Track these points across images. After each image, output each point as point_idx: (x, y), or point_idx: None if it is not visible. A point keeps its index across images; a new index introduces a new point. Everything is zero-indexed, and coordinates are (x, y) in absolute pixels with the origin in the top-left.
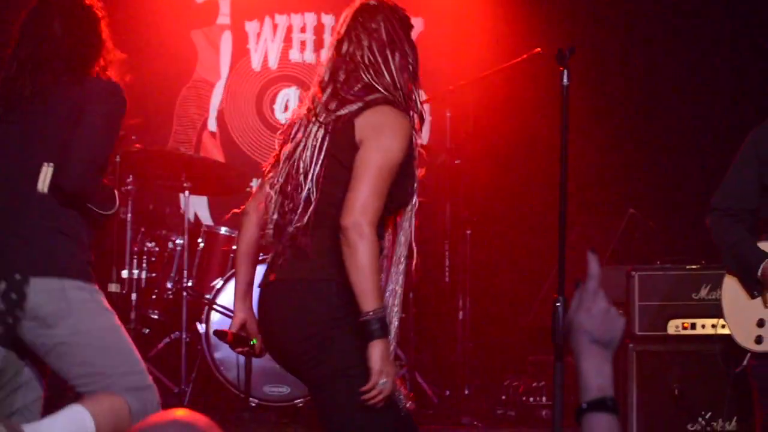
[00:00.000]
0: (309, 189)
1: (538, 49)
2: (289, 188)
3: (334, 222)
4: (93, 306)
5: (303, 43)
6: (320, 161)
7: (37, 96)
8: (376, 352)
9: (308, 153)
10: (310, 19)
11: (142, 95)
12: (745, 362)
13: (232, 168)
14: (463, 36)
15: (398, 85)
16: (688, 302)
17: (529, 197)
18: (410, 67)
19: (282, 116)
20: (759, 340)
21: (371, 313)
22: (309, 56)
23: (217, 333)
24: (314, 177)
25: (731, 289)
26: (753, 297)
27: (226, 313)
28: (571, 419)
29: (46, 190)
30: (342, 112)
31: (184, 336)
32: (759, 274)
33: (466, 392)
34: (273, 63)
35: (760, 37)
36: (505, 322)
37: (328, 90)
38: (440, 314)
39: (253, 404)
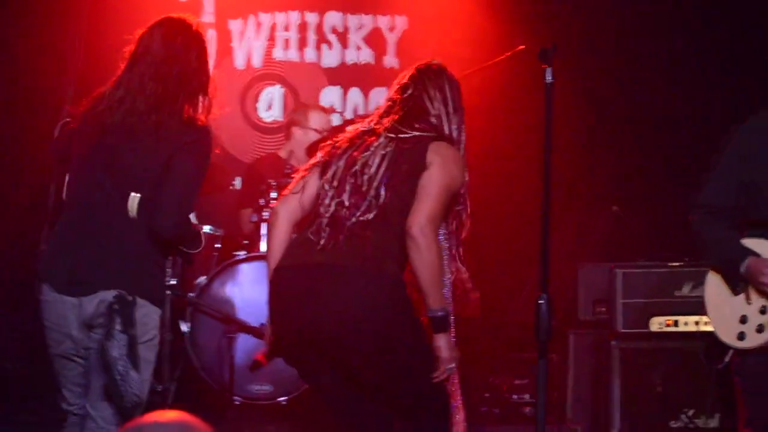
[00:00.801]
0: (377, 190)
1: (522, 46)
2: (349, 187)
3: (396, 225)
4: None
5: (287, 42)
6: (390, 169)
7: (149, 130)
8: (443, 343)
9: (377, 160)
10: (294, 17)
11: None
12: (727, 359)
13: (215, 166)
14: (447, 34)
15: (456, 139)
16: (670, 299)
17: (512, 194)
18: (464, 129)
19: (265, 114)
20: (741, 336)
21: (439, 310)
22: (293, 54)
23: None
24: (384, 180)
25: (714, 286)
26: (736, 294)
27: (210, 312)
28: (554, 416)
29: (135, 215)
30: (414, 134)
31: (167, 334)
32: (742, 270)
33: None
34: (257, 61)
35: (742, 35)
36: (489, 319)
37: (398, 116)
38: (423, 312)
39: (237, 402)
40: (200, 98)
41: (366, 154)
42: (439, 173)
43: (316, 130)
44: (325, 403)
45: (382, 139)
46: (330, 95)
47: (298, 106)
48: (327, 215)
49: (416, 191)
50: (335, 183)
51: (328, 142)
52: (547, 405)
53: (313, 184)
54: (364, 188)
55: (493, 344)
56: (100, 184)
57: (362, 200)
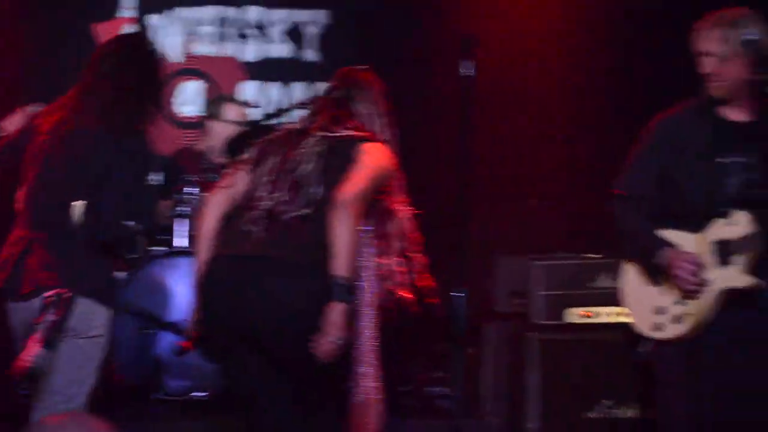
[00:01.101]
0: (312, 186)
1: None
2: (284, 183)
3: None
4: None
5: (206, 36)
6: (323, 166)
7: (87, 137)
8: (337, 311)
9: (310, 157)
10: (214, 11)
11: (42, 88)
12: (645, 349)
13: None
14: (369, 28)
15: (385, 139)
16: (588, 291)
17: (431, 186)
18: (391, 129)
19: (185, 109)
20: (658, 327)
21: (344, 278)
22: (212, 49)
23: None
24: (318, 177)
25: (631, 276)
26: (654, 284)
27: (127, 308)
28: (471, 409)
29: (79, 221)
30: (346, 133)
31: None
32: (659, 261)
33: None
34: (176, 56)
35: (659, 29)
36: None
37: (329, 117)
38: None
39: (156, 398)
40: (147, 107)
41: (299, 151)
42: (368, 161)
43: (234, 124)
44: (246, 397)
45: (314, 138)
46: (249, 90)
47: (216, 100)
48: (262, 209)
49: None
50: (270, 179)
51: (260, 140)
52: (464, 398)
53: (244, 179)
54: (300, 184)
55: (410, 337)
56: (43, 191)
57: (297, 196)
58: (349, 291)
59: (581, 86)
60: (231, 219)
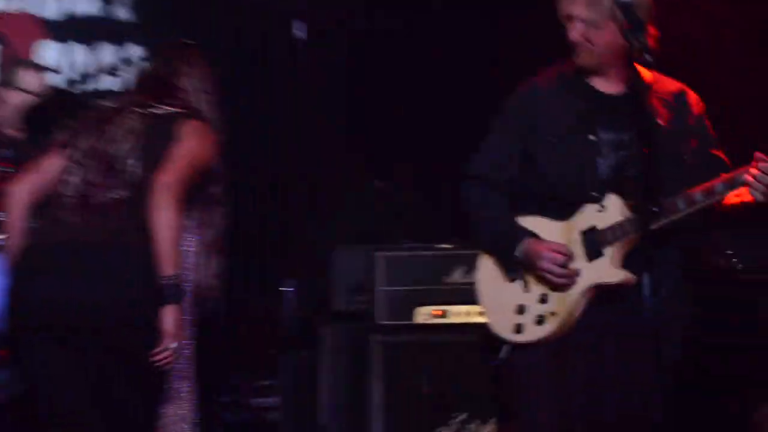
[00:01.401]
0: (128, 167)
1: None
2: (99, 165)
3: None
4: None
5: None
6: (141, 145)
7: None
8: (171, 316)
9: (127, 136)
10: None
11: None
12: (504, 354)
13: None
14: None
15: (207, 118)
16: (439, 287)
17: (262, 171)
18: (214, 107)
19: None
20: (519, 328)
21: (173, 277)
22: (3, 4)
23: None
24: (135, 157)
25: (487, 271)
26: (512, 280)
27: None
28: (304, 423)
29: None
30: (166, 110)
31: None
32: (518, 253)
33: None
34: None
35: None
36: (228, 311)
37: (148, 92)
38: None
39: None
40: None
41: (115, 129)
42: (189, 143)
43: (30, 92)
44: (46, 400)
45: (132, 115)
46: (49, 52)
47: (8, 65)
48: (75, 194)
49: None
50: (82, 161)
51: (70, 118)
52: (296, 410)
53: (53, 164)
54: (115, 166)
55: (232, 340)
56: None
57: (113, 178)
58: (178, 290)
59: (430, 60)
60: (43, 207)
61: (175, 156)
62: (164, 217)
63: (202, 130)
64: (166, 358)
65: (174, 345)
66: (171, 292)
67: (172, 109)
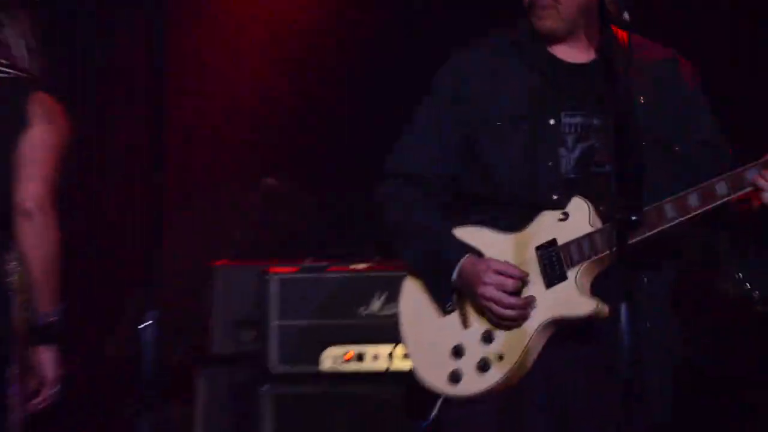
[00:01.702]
0: None
1: None
2: None
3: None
4: None
5: None
6: None
7: None
8: (50, 358)
9: None
10: None
11: None
12: (436, 412)
13: None
14: None
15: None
16: (352, 320)
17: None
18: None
19: None
20: (456, 377)
21: (53, 313)
22: None
23: None
24: None
25: (414, 300)
26: (446, 312)
27: None
28: None
29: None
30: (4, 71)
31: None
32: (455, 277)
33: None
34: None
35: None
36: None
37: None
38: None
39: None
40: None
41: None
42: (51, 136)
43: None
44: None
45: None
46: None
47: None
48: None
49: (18, 153)
50: None
51: None
52: None
53: None
54: None
55: (78, 389)
56: None
57: None
58: (56, 330)
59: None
60: None
61: (37, 153)
62: (44, 242)
63: (56, 108)
64: (39, 403)
65: (56, 389)
66: (50, 331)
67: (9, 70)
